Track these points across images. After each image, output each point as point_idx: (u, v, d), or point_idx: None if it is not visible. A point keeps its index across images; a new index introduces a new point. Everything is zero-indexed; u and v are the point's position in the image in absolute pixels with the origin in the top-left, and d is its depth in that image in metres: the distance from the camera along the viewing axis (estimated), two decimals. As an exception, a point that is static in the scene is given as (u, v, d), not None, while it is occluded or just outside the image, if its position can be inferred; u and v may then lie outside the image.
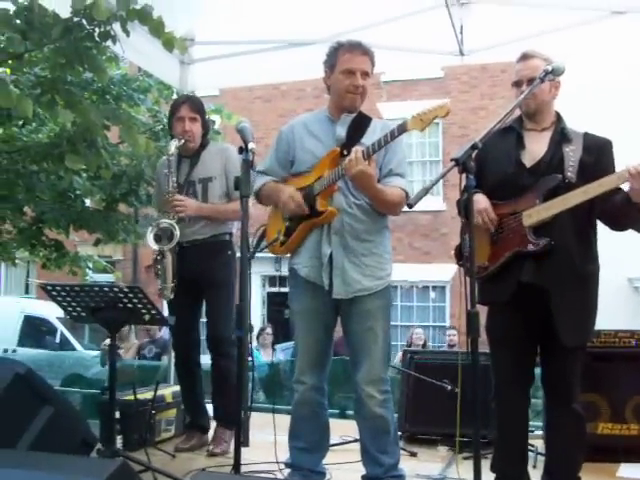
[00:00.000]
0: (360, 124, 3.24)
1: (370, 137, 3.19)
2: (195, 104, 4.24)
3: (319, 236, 3.25)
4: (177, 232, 4.02)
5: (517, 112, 3.18)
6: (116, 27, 4.31)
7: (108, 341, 3.68)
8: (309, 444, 3.40)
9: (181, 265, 4.10)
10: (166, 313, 4.37)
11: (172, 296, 4.10)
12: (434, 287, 15.26)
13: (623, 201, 2.94)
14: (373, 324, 3.24)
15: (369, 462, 3.33)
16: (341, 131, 3.25)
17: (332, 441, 3.69)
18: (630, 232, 3.11)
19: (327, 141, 3.27)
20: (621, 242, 3.45)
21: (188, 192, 4.16)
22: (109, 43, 4.45)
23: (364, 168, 3.00)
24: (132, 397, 4.14)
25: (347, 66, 3.21)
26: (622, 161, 3.04)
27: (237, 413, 2.88)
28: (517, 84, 3.16)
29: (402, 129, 3.01)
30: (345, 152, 3.15)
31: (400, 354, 7.96)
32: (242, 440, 2.78)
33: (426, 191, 2.63)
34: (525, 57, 3.18)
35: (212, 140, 4.35)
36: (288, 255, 3.44)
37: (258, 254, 4.03)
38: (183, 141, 4.12)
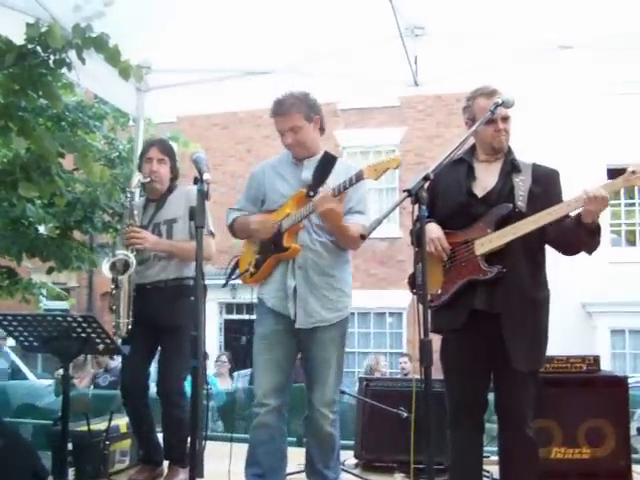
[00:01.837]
0: (324, 167, 3.40)
1: (334, 178, 3.39)
2: (165, 147, 4.27)
3: (285, 270, 3.48)
4: (133, 261, 3.99)
5: (469, 144, 3.26)
6: (72, 54, 4.30)
7: (62, 371, 3.61)
8: (264, 469, 3.45)
9: (141, 307, 4.05)
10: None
11: (126, 334, 4.01)
12: (391, 313, 15.33)
13: (573, 224, 3.02)
14: (329, 353, 3.48)
15: (314, 475, 3.58)
16: (307, 174, 3.48)
17: (289, 469, 3.67)
18: (584, 259, 3.19)
19: (294, 182, 3.52)
20: (575, 268, 3.54)
21: (153, 233, 4.15)
22: (64, 70, 4.43)
23: (334, 206, 3.23)
24: (85, 428, 4.07)
25: (276, 128, 3.53)
26: (570, 190, 3.13)
27: (191, 442, 2.86)
28: (490, 122, 3.15)
29: (359, 177, 3.22)
30: (311, 193, 3.37)
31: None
32: (197, 471, 2.75)
33: (379, 222, 2.76)
34: (494, 93, 3.20)
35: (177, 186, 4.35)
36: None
37: (214, 281, 4.07)
38: (148, 179, 4.13)
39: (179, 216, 4.15)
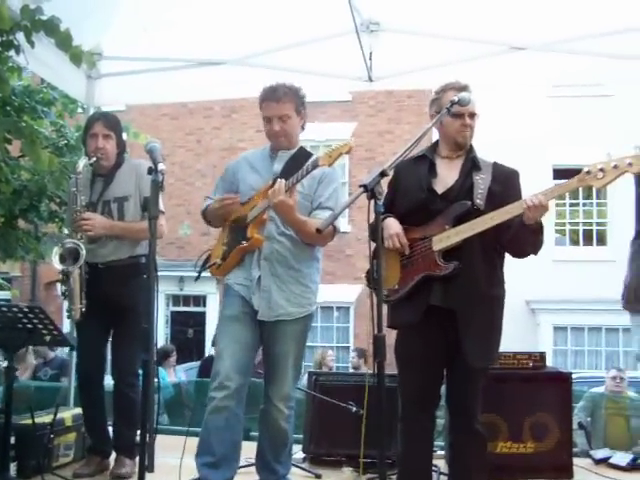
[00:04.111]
0: (297, 161, 3.40)
1: (309, 180, 3.39)
2: (110, 121, 4.14)
3: (251, 260, 3.49)
4: (83, 252, 3.91)
5: (431, 140, 3.30)
6: (20, 37, 4.19)
7: (5, 363, 3.53)
8: (217, 458, 3.38)
9: (95, 287, 3.98)
10: (74, 334, 4.26)
11: (80, 318, 3.97)
12: (338, 307, 15.39)
13: (518, 225, 3.06)
14: (290, 347, 3.49)
15: (264, 469, 3.59)
16: (278, 167, 3.49)
17: (237, 463, 3.66)
18: (528, 257, 3.24)
19: (266, 175, 3.51)
20: (520, 267, 3.61)
21: (104, 212, 4.07)
22: (12, 53, 4.31)
23: (284, 198, 3.21)
24: (28, 421, 3.97)
25: (264, 114, 3.52)
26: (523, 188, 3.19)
27: (141, 435, 2.81)
28: (458, 116, 3.19)
29: (315, 164, 3.20)
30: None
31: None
32: (147, 465, 2.71)
33: (334, 217, 2.86)
34: (465, 89, 3.22)
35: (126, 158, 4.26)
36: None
37: (162, 272, 4.04)
38: (94, 159, 4.02)
39: (130, 194, 4.08)
